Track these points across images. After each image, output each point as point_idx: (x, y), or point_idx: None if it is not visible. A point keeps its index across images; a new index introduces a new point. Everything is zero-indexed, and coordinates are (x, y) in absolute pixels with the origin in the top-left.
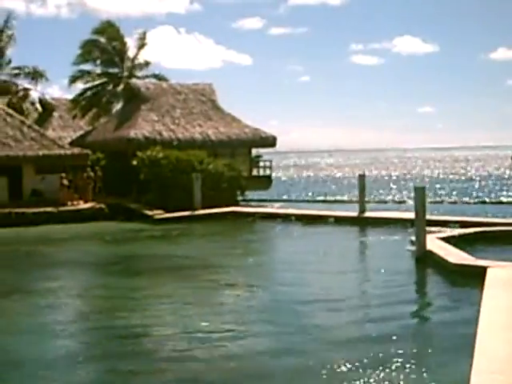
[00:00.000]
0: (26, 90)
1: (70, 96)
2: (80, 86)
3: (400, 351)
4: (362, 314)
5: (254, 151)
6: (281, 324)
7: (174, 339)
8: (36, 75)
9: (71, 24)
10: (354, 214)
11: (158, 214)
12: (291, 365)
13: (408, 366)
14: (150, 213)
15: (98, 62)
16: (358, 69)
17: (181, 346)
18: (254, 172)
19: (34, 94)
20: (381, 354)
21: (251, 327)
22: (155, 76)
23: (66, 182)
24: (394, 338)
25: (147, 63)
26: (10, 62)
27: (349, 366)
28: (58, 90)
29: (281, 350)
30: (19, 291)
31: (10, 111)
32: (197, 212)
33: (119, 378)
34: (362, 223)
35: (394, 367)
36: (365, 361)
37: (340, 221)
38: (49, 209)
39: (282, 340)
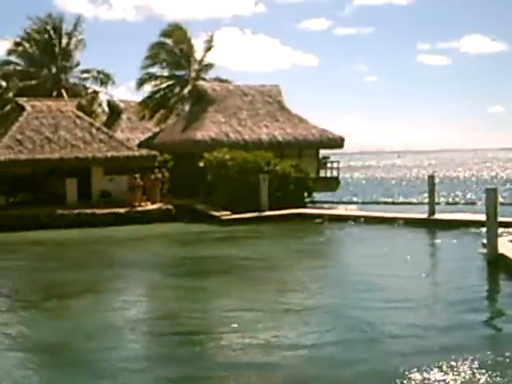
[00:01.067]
0: (95, 92)
1: (138, 98)
2: (148, 88)
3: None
4: (437, 320)
5: (322, 152)
6: (354, 331)
7: (240, 343)
8: (104, 78)
9: (137, 27)
10: (424, 215)
11: (225, 215)
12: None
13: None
14: (216, 214)
15: (165, 64)
16: (425, 68)
17: (247, 350)
18: (322, 173)
19: (103, 97)
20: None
21: (320, 332)
22: (221, 80)
23: (136, 182)
24: (469, 346)
25: (214, 65)
26: (78, 64)
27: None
28: (125, 92)
29: (354, 359)
30: (89, 291)
31: (80, 113)
32: (264, 213)
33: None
34: (432, 225)
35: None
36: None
37: (409, 223)
38: (117, 210)
39: (355, 349)
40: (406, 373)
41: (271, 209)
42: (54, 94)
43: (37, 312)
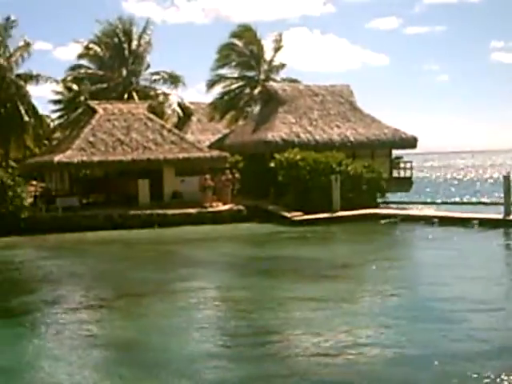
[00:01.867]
0: (166, 94)
1: (207, 100)
2: (217, 89)
3: None
4: None
5: (395, 152)
6: (431, 332)
7: (312, 342)
8: (174, 80)
9: (205, 30)
10: (499, 216)
11: (296, 215)
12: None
13: None
14: (287, 215)
15: (235, 65)
16: (499, 67)
17: (320, 349)
18: (395, 173)
19: (173, 99)
20: None
21: (394, 333)
22: (291, 80)
23: (207, 183)
24: None
25: (283, 65)
26: (148, 67)
27: None
28: (194, 93)
29: (431, 360)
30: (161, 291)
31: (151, 115)
32: (335, 214)
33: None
34: (508, 226)
35: None
36: None
37: (484, 223)
38: (188, 210)
39: (431, 350)
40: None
41: (343, 209)
42: (125, 96)
43: (110, 311)
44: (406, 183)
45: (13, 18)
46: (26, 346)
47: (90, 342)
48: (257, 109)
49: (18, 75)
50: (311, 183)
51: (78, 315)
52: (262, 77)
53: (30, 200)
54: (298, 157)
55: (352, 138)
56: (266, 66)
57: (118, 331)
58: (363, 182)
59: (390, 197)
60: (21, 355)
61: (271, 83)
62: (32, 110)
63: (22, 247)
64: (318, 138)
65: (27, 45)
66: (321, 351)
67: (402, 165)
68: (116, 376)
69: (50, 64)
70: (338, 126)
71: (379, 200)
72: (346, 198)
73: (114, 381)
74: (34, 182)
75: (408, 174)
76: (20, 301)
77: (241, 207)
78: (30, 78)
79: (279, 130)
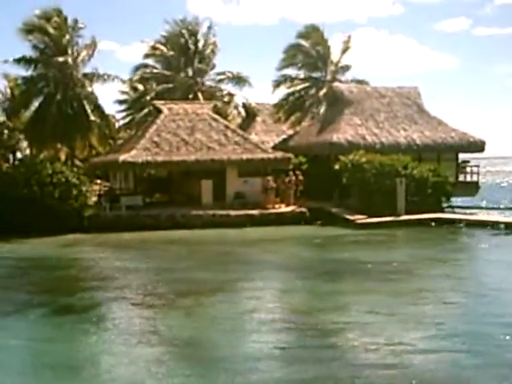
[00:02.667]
0: (231, 95)
1: (271, 100)
2: (282, 90)
3: None
4: None
5: (462, 156)
6: (485, 340)
7: (371, 343)
8: (239, 80)
9: (270, 31)
10: None
11: (360, 218)
12: None
13: None
14: (351, 217)
15: (301, 66)
16: None
17: (379, 351)
18: (461, 178)
19: (238, 99)
20: None
21: (448, 339)
22: (358, 82)
23: (270, 185)
24: None
25: (350, 67)
26: (214, 67)
27: None
28: (258, 94)
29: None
30: (222, 290)
31: (215, 116)
32: (400, 218)
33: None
34: None
35: None
36: None
37: None
38: (251, 211)
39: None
40: None
41: (407, 213)
42: (190, 96)
43: (173, 309)
44: (472, 187)
45: (80, 19)
46: (88, 342)
47: (151, 339)
48: (322, 110)
49: (85, 74)
50: (376, 186)
51: (140, 312)
52: (328, 78)
53: (94, 199)
54: (364, 159)
55: (418, 141)
56: (332, 67)
57: (178, 329)
58: (428, 185)
59: (456, 201)
60: (84, 351)
61: (338, 84)
62: (98, 109)
63: (85, 245)
64: (383, 140)
65: (94, 44)
66: (381, 356)
67: (468, 169)
68: (176, 373)
69: (114, 64)
70: (404, 129)
71: (444, 204)
72: (411, 202)
73: (174, 377)
74: (99, 181)
75: (475, 178)
76: (83, 297)
77: (303, 209)
78: (96, 77)
79: (345, 132)
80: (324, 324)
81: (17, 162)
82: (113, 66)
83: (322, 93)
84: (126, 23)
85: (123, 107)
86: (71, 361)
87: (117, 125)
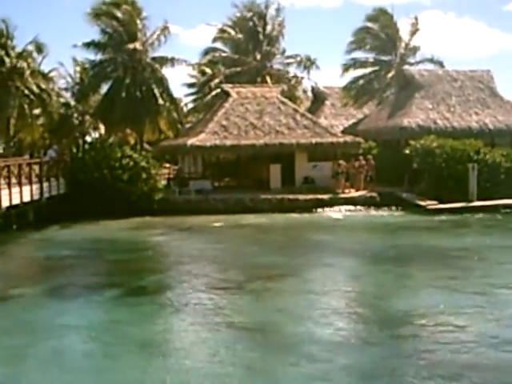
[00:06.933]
0: (299, 78)
1: (339, 84)
2: (351, 73)
3: None
4: None
5: None
6: None
7: (446, 333)
8: (308, 64)
9: (333, 13)
10: None
11: (431, 204)
12: None
13: None
14: (422, 203)
15: (370, 49)
16: None
17: (454, 343)
18: None
19: (307, 83)
20: None
21: None
22: (430, 60)
23: (340, 169)
24: None
25: (419, 49)
26: (284, 51)
27: None
28: (326, 78)
29: None
30: (292, 275)
31: (284, 99)
32: (471, 204)
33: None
34: None
35: None
36: None
37: None
38: (320, 196)
39: None
40: None
41: (479, 199)
42: (258, 80)
43: (242, 293)
44: None
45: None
46: (159, 323)
47: (221, 322)
48: (392, 94)
49: (154, 58)
50: (447, 171)
51: (210, 296)
52: (398, 61)
53: (163, 182)
54: (435, 144)
55: (491, 126)
56: (401, 50)
57: (248, 313)
58: (501, 171)
59: None
60: (154, 333)
61: (408, 67)
62: (167, 93)
63: (155, 228)
64: (455, 124)
65: (164, 28)
66: (454, 342)
67: None
68: (247, 357)
69: (178, 47)
70: (476, 113)
71: None
72: (483, 188)
73: (244, 362)
74: (168, 165)
75: None
76: (154, 279)
77: (374, 194)
78: (165, 61)
79: (415, 116)
80: (394, 309)
81: (86, 146)
82: (177, 50)
83: (391, 76)
84: (190, 6)
85: (191, 91)
86: (142, 341)
87: (185, 108)
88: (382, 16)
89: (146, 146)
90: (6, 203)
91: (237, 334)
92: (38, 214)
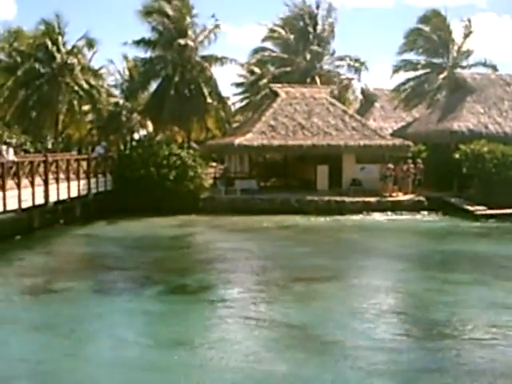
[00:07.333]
0: (349, 79)
1: (389, 86)
2: (401, 75)
3: None
4: None
5: None
6: None
7: (492, 342)
8: (358, 65)
9: (384, 14)
10: None
11: (480, 209)
12: None
13: None
14: (471, 208)
15: (422, 51)
16: None
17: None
18: None
19: (356, 84)
20: None
21: None
22: (483, 64)
23: (388, 172)
24: None
25: (472, 52)
26: (333, 52)
27: None
28: (374, 79)
29: None
30: (337, 278)
31: (333, 100)
32: None
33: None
34: None
35: None
36: None
37: None
38: (367, 199)
39: None
40: None
41: None
42: (308, 80)
43: (285, 294)
44: None
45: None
46: (201, 322)
47: (263, 323)
48: (442, 97)
49: (203, 57)
50: (497, 177)
51: (253, 296)
52: (450, 64)
53: (209, 181)
54: (485, 149)
55: None
56: (454, 53)
57: (291, 314)
58: None
59: None
60: (196, 331)
61: (460, 71)
62: (215, 92)
63: (200, 226)
64: (507, 130)
65: (215, 27)
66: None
67: None
68: (289, 358)
69: (225, 46)
70: None
71: None
72: None
73: (286, 362)
74: (214, 164)
75: None
76: (197, 278)
77: (422, 198)
78: (214, 59)
79: (466, 120)
80: (440, 315)
81: (134, 143)
82: (222, 48)
83: (442, 79)
84: (237, 6)
85: (240, 90)
86: (183, 339)
87: (232, 108)
88: (434, 18)
89: (193, 144)
90: (53, 198)
91: (278, 335)
92: (84, 209)
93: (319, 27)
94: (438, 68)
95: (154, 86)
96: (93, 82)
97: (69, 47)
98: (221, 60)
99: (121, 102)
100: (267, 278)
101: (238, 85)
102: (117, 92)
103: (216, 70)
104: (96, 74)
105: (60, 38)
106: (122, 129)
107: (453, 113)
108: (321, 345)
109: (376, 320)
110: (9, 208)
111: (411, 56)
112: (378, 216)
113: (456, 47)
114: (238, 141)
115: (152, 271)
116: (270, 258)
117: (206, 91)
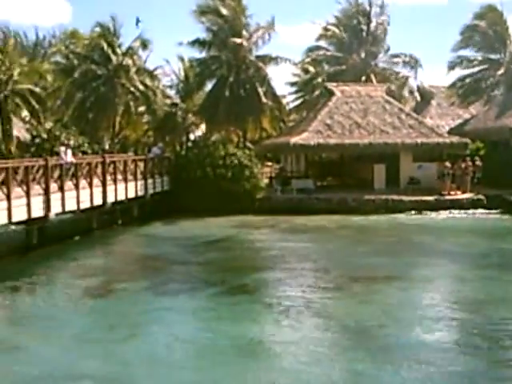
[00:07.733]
0: (405, 77)
1: (444, 83)
2: (457, 72)
3: None
4: None
5: None
6: None
7: None
8: (413, 62)
9: (438, 11)
10: None
11: None
12: None
13: None
14: None
15: (478, 47)
16: None
17: None
18: None
19: (412, 82)
20: None
21: None
22: None
23: (446, 170)
24: None
25: None
26: (388, 49)
27: None
28: (428, 76)
29: None
30: (396, 278)
31: (389, 98)
32: None
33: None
34: None
35: None
36: None
37: None
38: (425, 197)
39: None
40: None
41: None
42: (363, 78)
43: (344, 294)
44: None
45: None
46: (259, 322)
47: (322, 324)
48: (500, 93)
49: (258, 56)
50: None
51: (311, 296)
52: (507, 59)
53: (265, 181)
54: None
55: None
56: (511, 49)
57: (350, 314)
58: None
59: None
60: (254, 332)
61: None
62: (270, 91)
63: (257, 226)
64: None
65: (270, 27)
66: None
67: None
68: (349, 359)
69: (276, 45)
70: None
71: None
72: None
73: (348, 363)
74: (270, 163)
75: None
76: (255, 278)
77: (481, 196)
78: (269, 59)
79: None
80: (498, 317)
81: (190, 144)
82: (275, 47)
83: (499, 75)
84: (290, 5)
85: (294, 89)
86: (241, 340)
87: (287, 107)
88: (490, 13)
89: (248, 144)
90: (111, 199)
91: (337, 336)
92: (142, 209)
93: (373, 25)
94: (495, 64)
95: (209, 86)
96: (148, 83)
97: (124, 49)
98: (275, 59)
99: (177, 102)
100: (326, 277)
101: (293, 84)
102: (172, 93)
103: (270, 70)
104: (151, 74)
105: (115, 39)
106: (177, 129)
107: (511, 109)
108: (378, 346)
109: (433, 321)
110: (67, 209)
111: (467, 52)
112: (436, 215)
113: None
114: (293, 140)
115: (210, 271)
116: (328, 257)
117: (260, 91)
